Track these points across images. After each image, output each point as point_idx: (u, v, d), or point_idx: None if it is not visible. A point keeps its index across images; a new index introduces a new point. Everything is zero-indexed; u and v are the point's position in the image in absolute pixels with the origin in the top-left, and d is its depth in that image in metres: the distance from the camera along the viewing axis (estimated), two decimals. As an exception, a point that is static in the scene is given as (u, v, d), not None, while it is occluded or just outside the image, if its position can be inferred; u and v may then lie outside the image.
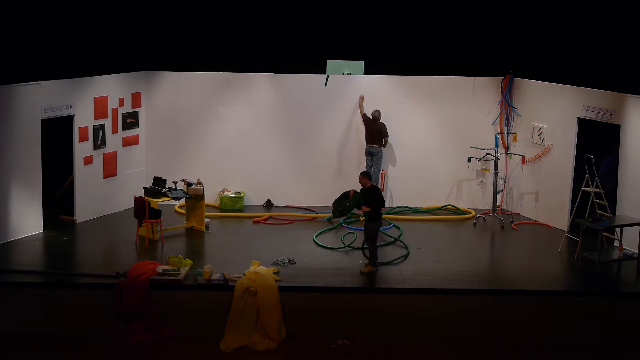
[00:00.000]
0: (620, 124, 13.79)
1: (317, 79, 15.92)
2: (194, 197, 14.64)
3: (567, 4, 15.07)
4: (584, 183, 13.42)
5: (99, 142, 15.28)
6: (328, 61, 15.39)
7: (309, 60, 15.73)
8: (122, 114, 15.80)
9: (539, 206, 15.70)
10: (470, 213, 16.11)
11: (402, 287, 11.92)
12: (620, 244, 13.27)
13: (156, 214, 14.00)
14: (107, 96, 15.39)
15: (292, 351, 11.21)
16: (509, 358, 11.18)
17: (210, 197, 15.92)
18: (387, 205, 16.28)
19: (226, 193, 16.36)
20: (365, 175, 12.75)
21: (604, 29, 14.44)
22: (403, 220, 15.58)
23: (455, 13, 16.08)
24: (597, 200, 13.26)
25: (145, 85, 16.30)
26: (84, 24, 15.09)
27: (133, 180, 15.94)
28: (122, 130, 15.83)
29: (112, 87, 15.54)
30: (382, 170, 16.28)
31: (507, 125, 16.23)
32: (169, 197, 14.24)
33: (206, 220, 14.79)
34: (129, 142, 16.01)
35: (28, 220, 14.03)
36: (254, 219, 15.59)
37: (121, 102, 15.74)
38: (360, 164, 16.22)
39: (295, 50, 16.06)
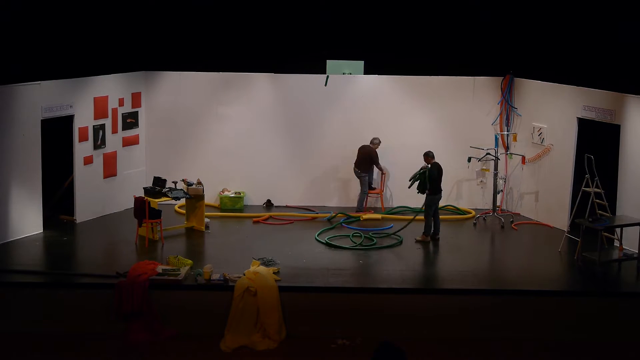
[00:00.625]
0: (620, 124, 13.78)
1: (317, 79, 15.92)
2: (194, 197, 14.63)
3: (567, 4, 15.05)
4: (584, 183, 13.41)
5: (99, 142, 15.27)
6: (328, 61, 15.38)
7: (309, 60, 15.72)
8: (122, 114, 15.80)
9: (539, 206, 15.70)
10: (470, 213, 16.11)
11: (402, 287, 11.91)
12: (620, 244, 13.25)
13: (156, 214, 14.00)
14: (107, 96, 15.39)
15: (292, 351, 11.19)
16: (509, 358, 11.16)
17: (210, 197, 15.92)
18: (387, 206, 16.40)
19: (226, 193, 16.35)
20: (427, 154, 14.36)
21: (604, 29, 14.43)
22: (403, 220, 15.56)
23: (455, 13, 16.07)
24: (597, 200, 13.25)
25: (145, 85, 16.30)
26: (83, 24, 15.07)
27: (133, 180, 15.94)
28: (122, 130, 15.83)
29: (112, 87, 15.54)
30: (383, 172, 16.31)
31: (507, 125, 16.23)
32: (169, 197, 14.23)
33: (206, 220, 14.78)
34: (129, 142, 16.00)
35: (28, 220, 14.02)
36: (254, 219, 15.59)
37: (121, 102, 15.74)
38: (360, 164, 16.24)
39: (295, 50, 16.05)
